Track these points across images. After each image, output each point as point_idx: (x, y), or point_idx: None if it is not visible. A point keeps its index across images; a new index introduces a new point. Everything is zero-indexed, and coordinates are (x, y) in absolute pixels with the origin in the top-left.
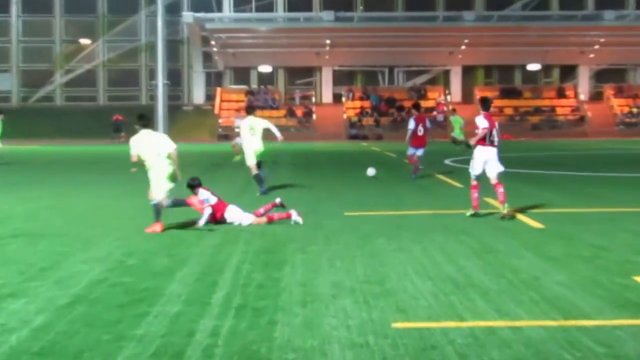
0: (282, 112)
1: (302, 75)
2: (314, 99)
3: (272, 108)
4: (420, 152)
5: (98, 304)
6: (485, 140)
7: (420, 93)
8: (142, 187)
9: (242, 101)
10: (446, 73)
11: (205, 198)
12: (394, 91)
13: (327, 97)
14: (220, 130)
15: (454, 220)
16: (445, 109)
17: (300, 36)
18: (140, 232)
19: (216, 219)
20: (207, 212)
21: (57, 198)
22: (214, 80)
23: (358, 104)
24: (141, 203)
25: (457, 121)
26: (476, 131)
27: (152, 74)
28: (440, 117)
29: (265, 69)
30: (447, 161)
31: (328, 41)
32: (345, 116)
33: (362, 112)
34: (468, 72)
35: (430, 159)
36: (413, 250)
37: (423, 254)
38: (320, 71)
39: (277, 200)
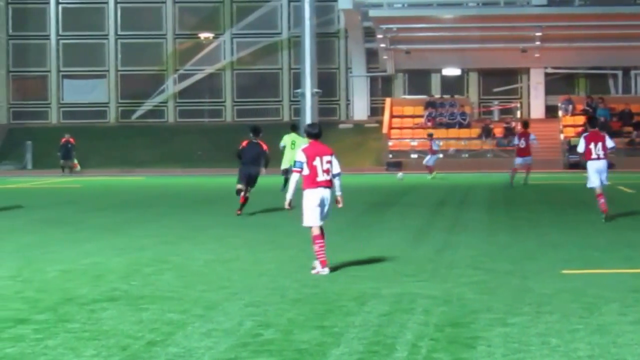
0: (475, 131)
1: (502, 80)
2: (519, 113)
3: (460, 125)
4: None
5: None
6: (591, 154)
7: None
8: (285, 233)
9: (419, 116)
10: None
11: (298, 161)
12: (631, 102)
13: (537, 110)
14: (390, 155)
15: None
16: None
17: (501, 27)
18: (282, 295)
19: None
20: (292, 182)
21: (167, 247)
22: (381, 87)
23: (580, 119)
24: (286, 255)
25: None
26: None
27: (297, 80)
28: None
29: (452, 72)
30: None
31: (539, 33)
32: (562, 137)
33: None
34: None
35: None
36: None
37: None
38: (527, 75)
39: None
